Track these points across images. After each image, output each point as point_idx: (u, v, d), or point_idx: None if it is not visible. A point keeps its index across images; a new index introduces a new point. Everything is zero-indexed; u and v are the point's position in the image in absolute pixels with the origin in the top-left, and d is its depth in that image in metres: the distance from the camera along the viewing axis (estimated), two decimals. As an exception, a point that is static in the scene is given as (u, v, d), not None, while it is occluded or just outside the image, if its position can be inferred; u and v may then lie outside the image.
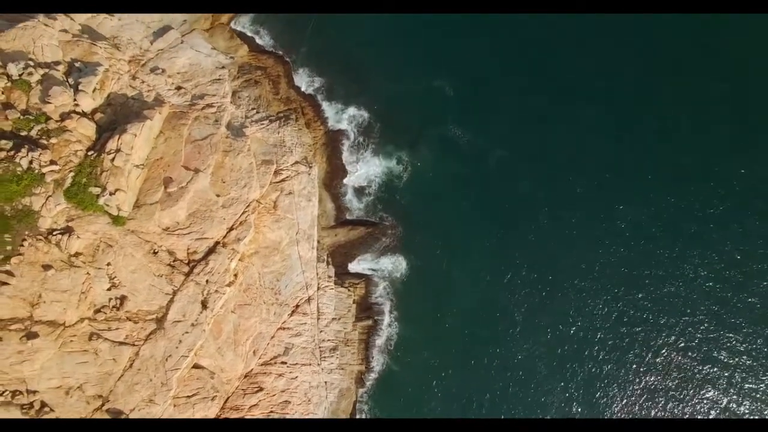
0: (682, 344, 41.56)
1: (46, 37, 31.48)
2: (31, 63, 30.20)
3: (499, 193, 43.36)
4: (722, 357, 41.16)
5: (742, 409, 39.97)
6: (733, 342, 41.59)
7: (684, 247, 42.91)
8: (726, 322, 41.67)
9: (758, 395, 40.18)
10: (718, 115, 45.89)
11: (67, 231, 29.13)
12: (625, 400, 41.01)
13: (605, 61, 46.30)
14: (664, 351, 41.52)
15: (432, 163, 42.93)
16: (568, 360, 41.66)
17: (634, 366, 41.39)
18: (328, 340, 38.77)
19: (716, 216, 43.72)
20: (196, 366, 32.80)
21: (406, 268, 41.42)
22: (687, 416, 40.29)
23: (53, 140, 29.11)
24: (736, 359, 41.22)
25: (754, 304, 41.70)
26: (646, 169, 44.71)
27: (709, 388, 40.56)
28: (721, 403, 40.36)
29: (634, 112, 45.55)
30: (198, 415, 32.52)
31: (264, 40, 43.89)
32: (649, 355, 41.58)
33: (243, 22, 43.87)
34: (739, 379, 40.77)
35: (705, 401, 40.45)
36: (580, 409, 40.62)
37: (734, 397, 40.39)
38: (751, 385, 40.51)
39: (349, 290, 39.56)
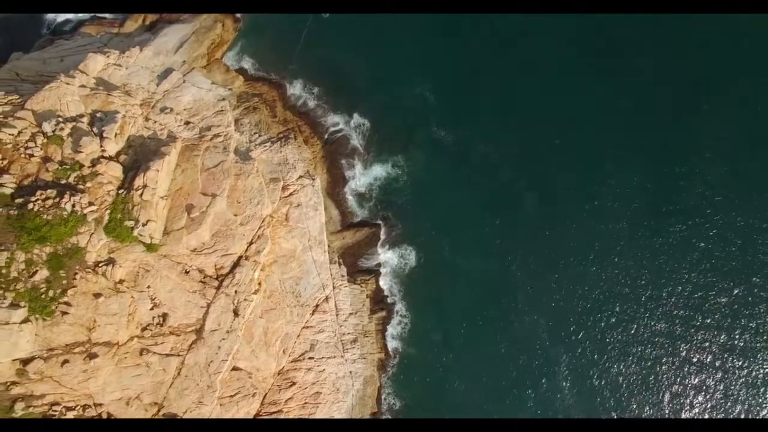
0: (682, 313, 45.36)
1: (68, 94, 35.46)
2: (60, 119, 34.18)
3: (488, 184, 47.04)
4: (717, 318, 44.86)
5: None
6: (730, 305, 45.47)
7: (674, 222, 46.67)
8: (722, 288, 45.44)
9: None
10: (684, 91, 49.89)
11: (110, 262, 33.10)
12: (624, 369, 44.57)
13: (580, 55, 50.00)
14: (661, 323, 45.27)
15: (424, 164, 46.76)
16: (568, 328, 45.57)
17: (632, 336, 45.11)
18: (348, 333, 42.72)
19: (704, 191, 47.59)
20: (234, 368, 36.74)
21: (411, 260, 45.28)
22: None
23: (88, 184, 33.09)
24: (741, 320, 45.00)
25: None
26: (624, 149, 48.58)
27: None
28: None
29: (610, 98, 49.04)
30: (242, 412, 36.48)
31: (255, 67, 47.60)
32: (648, 327, 45.29)
33: (234, 55, 47.74)
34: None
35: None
36: (588, 374, 44.55)
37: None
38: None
39: (361, 286, 43.58)
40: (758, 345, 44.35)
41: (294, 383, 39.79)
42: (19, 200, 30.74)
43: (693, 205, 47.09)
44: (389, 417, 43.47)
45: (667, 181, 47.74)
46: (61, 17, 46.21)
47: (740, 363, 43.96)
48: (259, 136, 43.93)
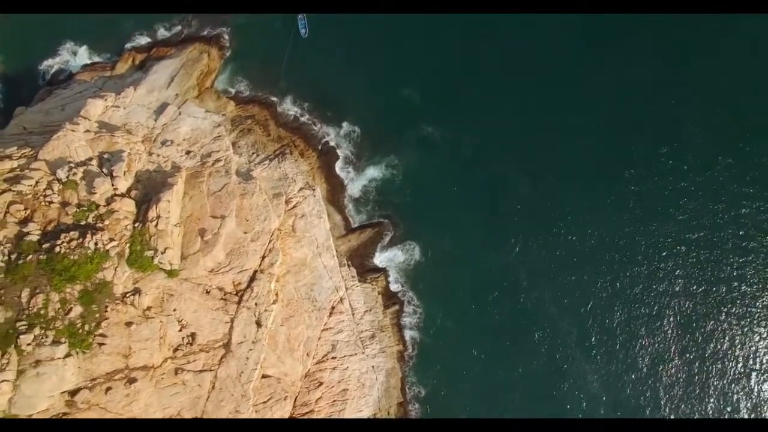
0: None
1: (75, 140, 37.66)
2: (72, 164, 36.39)
3: (480, 173, 49.38)
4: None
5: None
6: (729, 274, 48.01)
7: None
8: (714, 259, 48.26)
9: None
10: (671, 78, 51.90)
11: (137, 291, 35.32)
12: (630, 338, 47.05)
13: (556, 47, 52.04)
14: (663, 284, 47.75)
15: (417, 161, 49.06)
16: (573, 298, 48.01)
17: (634, 297, 47.61)
18: (366, 330, 44.99)
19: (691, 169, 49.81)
20: (264, 376, 38.99)
21: (416, 254, 47.58)
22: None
23: (107, 222, 35.30)
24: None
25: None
26: (605, 129, 50.70)
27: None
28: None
29: (587, 89, 51.37)
30: (276, 416, 38.73)
31: (245, 91, 49.84)
32: (648, 286, 47.88)
33: (223, 82, 49.89)
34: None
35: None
36: (593, 337, 46.93)
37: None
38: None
39: (372, 284, 45.87)
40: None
41: (321, 383, 42.06)
42: (45, 245, 32.92)
43: (679, 181, 49.65)
44: (416, 405, 45.79)
45: (654, 158, 50.18)
46: (55, 67, 48.45)
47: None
48: (257, 155, 46.17)
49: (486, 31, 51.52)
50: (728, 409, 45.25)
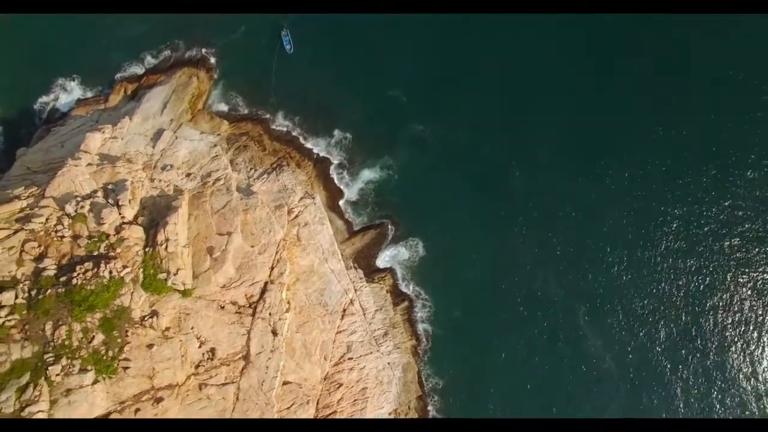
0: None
1: (79, 175, 38.85)
2: (78, 198, 37.57)
3: (473, 165, 50.69)
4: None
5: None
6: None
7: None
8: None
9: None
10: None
11: (154, 313, 36.50)
12: (636, 309, 48.50)
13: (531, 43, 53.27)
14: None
15: (410, 160, 50.29)
16: (575, 275, 49.32)
17: (635, 273, 49.04)
18: (378, 328, 46.20)
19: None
20: (285, 382, 40.18)
21: (419, 250, 48.81)
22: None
23: (118, 250, 36.50)
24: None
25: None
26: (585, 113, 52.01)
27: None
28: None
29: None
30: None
31: (236, 109, 50.99)
32: (649, 262, 49.37)
33: (215, 102, 51.01)
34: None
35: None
36: (602, 313, 48.18)
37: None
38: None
39: (380, 284, 47.09)
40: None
41: (341, 384, 43.27)
42: (63, 278, 34.10)
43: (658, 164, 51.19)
44: (435, 397, 46.98)
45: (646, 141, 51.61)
46: (50, 104, 49.62)
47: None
48: (255, 170, 47.37)
49: (460, 28, 52.84)
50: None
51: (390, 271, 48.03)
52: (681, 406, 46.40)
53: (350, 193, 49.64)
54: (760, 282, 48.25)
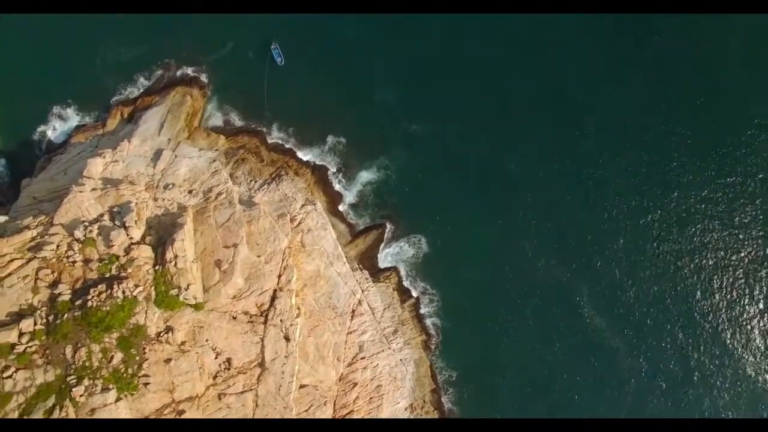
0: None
1: (85, 200, 39.75)
2: (86, 223, 38.50)
3: (469, 160, 51.69)
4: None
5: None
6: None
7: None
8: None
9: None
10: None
11: (169, 329, 37.47)
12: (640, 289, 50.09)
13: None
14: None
15: (406, 159, 51.19)
16: (580, 260, 50.52)
17: (638, 252, 50.59)
18: (388, 326, 47.18)
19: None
20: (302, 386, 41.19)
21: (423, 246, 49.84)
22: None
23: (129, 270, 37.44)
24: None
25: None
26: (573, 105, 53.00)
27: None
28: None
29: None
30: (320, 421, 40.91)
31: (231, 124, 51.80)
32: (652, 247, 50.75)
33: (210, 118, 51.81)
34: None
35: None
36: (605, 295, 49.18)
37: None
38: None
39: (386, 282, 48.09)
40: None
41: (356, 384, 44.25)
42: (78, 302, 35.05)
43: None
44: (449, 389, 47.97)
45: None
46: (48, 134, 50.39)
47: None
48: (255, 181, 48.30)
49: (448, 28, 53.73)
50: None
51: (395, 269, 49.02)
52: (703, 406, 48.01)
53: (350, 196, 50.58)
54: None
